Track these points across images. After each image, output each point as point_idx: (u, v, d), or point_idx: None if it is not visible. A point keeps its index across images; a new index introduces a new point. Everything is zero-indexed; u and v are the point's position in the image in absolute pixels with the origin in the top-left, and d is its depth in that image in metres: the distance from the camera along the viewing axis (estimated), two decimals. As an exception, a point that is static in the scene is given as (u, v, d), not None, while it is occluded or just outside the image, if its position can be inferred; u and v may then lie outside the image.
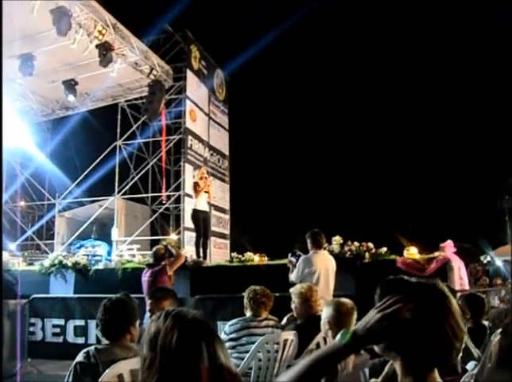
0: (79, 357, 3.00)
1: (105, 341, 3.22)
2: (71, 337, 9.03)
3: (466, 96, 24.18)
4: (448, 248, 8.29)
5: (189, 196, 13.60)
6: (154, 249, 7.49)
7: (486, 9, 22.16)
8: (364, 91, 25.95)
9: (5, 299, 8.99)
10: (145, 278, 6.95)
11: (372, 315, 1.39)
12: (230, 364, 1.46)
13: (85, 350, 3.05)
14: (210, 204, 10.78)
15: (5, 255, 11.08)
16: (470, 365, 2.58)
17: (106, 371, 2.75)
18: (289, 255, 6.90)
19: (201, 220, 10.00)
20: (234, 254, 10.20)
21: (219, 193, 15.95)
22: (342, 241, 8.55)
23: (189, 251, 10.55)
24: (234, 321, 4.61)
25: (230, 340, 4.42)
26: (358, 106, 26.08)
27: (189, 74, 14.97)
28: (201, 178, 9.89)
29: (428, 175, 24.88)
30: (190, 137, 14.76)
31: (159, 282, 6.61)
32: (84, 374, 2.92)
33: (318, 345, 4.24)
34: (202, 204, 9.96)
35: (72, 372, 2.94)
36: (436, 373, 1.48)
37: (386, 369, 1.65)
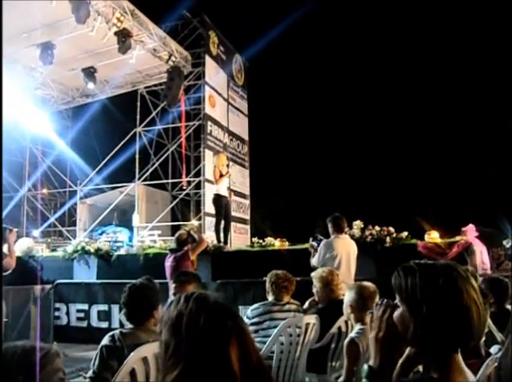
0: (105, 341, 3.05)
1: (129, 325, 3.27)
2: (94, 322, 9.19)
3: (484, 76, 23.78)
4: (470, 232, 8.23)
5: (210, 181, 13.63)
6: (177, 234, 7.52)
7: (486, 9, 21.74)
8: (382, 75, 25.67)
9: (31, 285, 9.18)
10: (168, 263, 6.99)
11: (372, 344, 1.49)
12: (256, 346, 1.42)
13: (110, 334, 3.11)
14: (230, 190, 10.83)
15: (29, 241, 11.28)
16: (493, 349, 2.58)
17: (131, 354, 2.80)
18: (311, 239, 6.91)
19: (223, 205, 10.06)
20: (255, 239, 10.26)
21: (238, 179, 15.99)
22: (363, 225, 8.54)
23: (210, 237, 10.62)
24: (256, 305, 4.64)
25: (253, 324, 4.46)
26: (376, 89, 25.82)
27: (208, 60, 14.94)
28: (223, 165, 9.95)
29: (450, 159, 24.61)
30: (209, 123, 14.77)
31: (182, 267, 6.64)
32: (110, 357, 2.97)
33: (339, 329, 4.26)
34: (223, 190, 10.01)
35: (99, 355, 3.00)
36: (460, 358, 1.49)
37: (407, 351, 1.67)
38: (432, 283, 1.48)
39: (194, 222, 14.19)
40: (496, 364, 2.29)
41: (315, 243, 6.70)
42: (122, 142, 14.50)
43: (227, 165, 10.07)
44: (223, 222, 10.20)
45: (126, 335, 3.10)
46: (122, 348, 3.00)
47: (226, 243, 10.04)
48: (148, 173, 14.84)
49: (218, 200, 9.99)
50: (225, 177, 9.90)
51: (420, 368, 1.57)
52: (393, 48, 25.51)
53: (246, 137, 17.67)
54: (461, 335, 1.46)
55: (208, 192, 13.72)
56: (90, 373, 2.98)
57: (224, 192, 10.04)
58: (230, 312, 1.41)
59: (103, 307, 9.16)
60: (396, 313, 1.57)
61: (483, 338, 2.53)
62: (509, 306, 4.39)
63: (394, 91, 25.55)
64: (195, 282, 3.72)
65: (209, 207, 13.61)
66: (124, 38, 10.65)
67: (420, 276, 1.51)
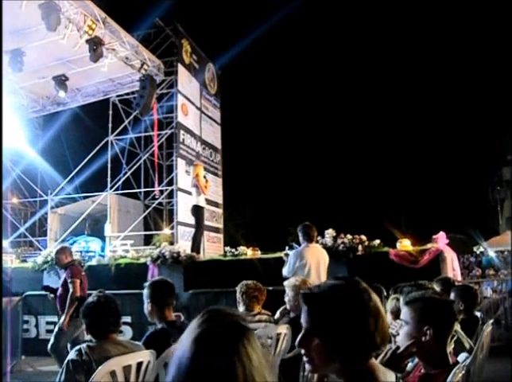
0: (72, 355, 2.99)
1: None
2: (65, 334, 9.00)
3: (456, 88, 24.22)
4: (441, 240, 8.33)
5: (182, 190, 13.62)
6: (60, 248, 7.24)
7: (484, 10, 22.27)
8: (355, 84, 25.95)
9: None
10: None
11: None
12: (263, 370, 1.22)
13: (77, 348, 3.05)
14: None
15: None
16: (461, 357, 2.59)
17: (99, 368, 2.75)
18: (286, 248, 6.93)
19: (203, 216, 10.15)
20: (228, 248, 10.23)
21: (211, 187, 15.94)
22: (335, 234, 8.56)
23: (183, 246, 10.56)
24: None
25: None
26: (349, 99, 26.08)
27: (180, 68, 14.91)
28: (204, 176, 10.04)
29: (420, 167, 24.95)
30: (182, 131, 14.72)
31: None
32: (77, 371, 2.91)
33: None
34: (203, 201, 10.07)
35: (65, 369, 2.94)
36: (376, 362, 1.56)
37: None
38: (333, 304, 1.52)
39: (166, 231, 14.10)
40: (464, 371, 2.31)
41: (290, 252, 6.71)
42: (93, 151, 14.36)
43: (204, 176, 10.13)
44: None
45: (94, 348, 3.05)
46: (90, 362, 2.95)
47: (198, 252, 10.00)
48: (120, 182, 14.72)
49: (198, 211, 10.02)
50: (208, 187, 10.05)
51: None
52: (365, 63, 25.82)
53: (218, 146, 17.65)
54: (370, 342, 1.50)
55: (181, 202, 13.67)
56: (55, 389, 2.91)
57: (203, 203, 10.10)
58: (235, 341, 1.21)
59: (74, 319, 8.99)
60: (313, 345, 1.56)
61: (452, 346, 2.54)
62: (478, 313, 4.44)
63: (365, 102, 25.84)
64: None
65: (182, 216, 13.55)
66: (96, 46, 10.56)
67: (317, 302, 1.56)
